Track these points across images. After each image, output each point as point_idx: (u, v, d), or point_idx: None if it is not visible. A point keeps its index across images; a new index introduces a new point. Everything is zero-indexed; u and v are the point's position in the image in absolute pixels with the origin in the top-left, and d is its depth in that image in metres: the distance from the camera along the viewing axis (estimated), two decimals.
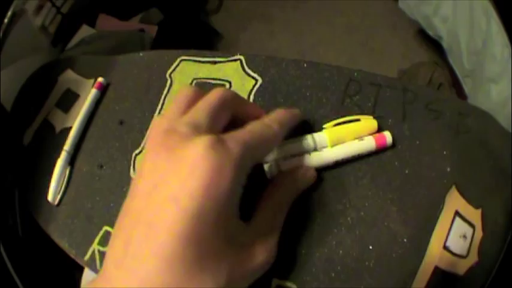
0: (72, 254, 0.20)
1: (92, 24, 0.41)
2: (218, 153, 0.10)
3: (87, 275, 0.23)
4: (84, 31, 0.40)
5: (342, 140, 0.17)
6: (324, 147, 0.17)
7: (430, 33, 0.44)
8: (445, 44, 0.42)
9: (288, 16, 0.55)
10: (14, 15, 0.31)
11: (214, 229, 0.10)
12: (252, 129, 0.13)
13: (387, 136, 0.18)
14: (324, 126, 0.18)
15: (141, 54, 0.25)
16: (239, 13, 0.56)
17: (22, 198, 0.24)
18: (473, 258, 0.17)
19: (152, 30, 0.42)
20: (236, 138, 0.11)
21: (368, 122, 0.18)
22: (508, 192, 0.19)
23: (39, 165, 0.23)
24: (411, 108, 0.20)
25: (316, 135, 0.17)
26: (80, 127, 0.22)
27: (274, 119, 0.14)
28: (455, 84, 0.41)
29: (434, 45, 0.47)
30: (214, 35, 0.53)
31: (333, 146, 0.17)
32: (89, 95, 0.23)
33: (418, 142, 0.19)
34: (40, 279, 0.24)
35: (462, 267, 0.17)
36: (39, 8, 0.38)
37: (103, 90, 0.24)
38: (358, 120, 0.18)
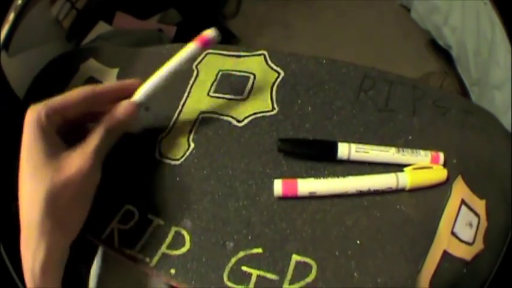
0: (88, 233, 0.22)
1: (109, 22, 0.45)
2: (28, 116, 0.17)
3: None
4: (101, 28, 0.44)
5: (419, 183, 0.20)
6: (403, 187, 0.20)
7: (440, 42, 0.48)
8: (454, 54, 0.46)
9: (304, 23, 0.60)
10: None
11: (34, 153, 0.16)
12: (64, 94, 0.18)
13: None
14: (404, 169, 0.20)
15: (166, 46, 0.28)
16: (256, 18, 0.61)
17: None
18: (479, 245, 0.20)
19: (170, 30, 0.45)
20: (42, 104, 0.17)
21: (440, 172, 0.20)
22: (508, 188, 0.21)
23: None
24: (420, 103, 0.23)
25: (400, 177, 0.20)
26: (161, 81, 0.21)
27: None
28: (463, 94, 0.45)
29: (444, 55, 0.52)
30: (231, 38, 0.57)
31: (411, 186, 0.20)
32: (187, 47, 0.22)
33: (427, 135, 0.22)
34: None
35: (469, 254, 0.20)
36: (53, 0, 0.40)
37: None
38: (430, 167, 0.20)
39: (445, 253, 0.19)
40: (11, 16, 0.30)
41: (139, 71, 0.27)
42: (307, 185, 0.19)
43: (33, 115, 0.17)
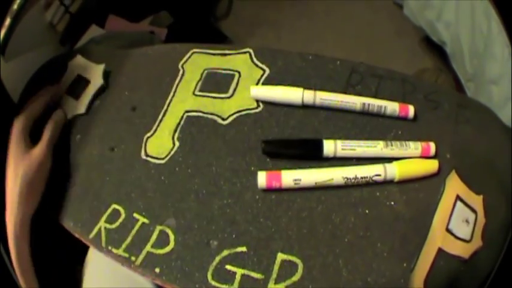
0: (77, 233, 0.22)
1: (101, 25, 0.46)
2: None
3: (92, 257, 0.24)
4: (93, 31, 0.44)
5: (409, 174, 0.19)
6: (392, 178, 0.19)
7: (434, 38, 0.48)
8: (448, 50, 0.46)
9: (296, 22, 0.61)
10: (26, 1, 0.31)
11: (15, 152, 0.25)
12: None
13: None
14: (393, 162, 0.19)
15: (154, 46, 0.28)
16: (248, 18, 0.62)
17: None
18: (477, 242, 0.19)
19: (162, 33, 0.46)
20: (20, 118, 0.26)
21: (431, 162, 0.20)
22: (508, 184, 0.21)
23: None
24: (411, 98, 0.23)
25: (388, 166, 0.19)
26: None
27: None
28: (459, 90, 0.45)
29: (438, 51, 0.52)
30: (223, 39, 0.58)
31: (400, 177, 0.19)
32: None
33: (417, 129, 0.22)
34: (39, 272, 0.25)
35: (466, 251, 0.19)
36: (47, 5, 0.41)
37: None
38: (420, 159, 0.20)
39: (440, 251, 0.19)
40: (7, 21, 0.30)
41: (126, 72, 0.27)
42: (291, 174, 0.19)
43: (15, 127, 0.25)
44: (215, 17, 0.61)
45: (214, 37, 0.57)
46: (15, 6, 0.31)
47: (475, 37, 0.38)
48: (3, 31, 0.30)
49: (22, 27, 0.32)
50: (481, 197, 0.20)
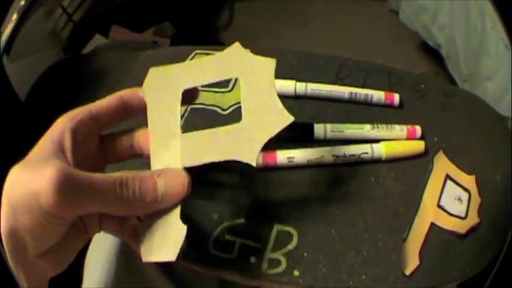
0: None
1: (105, 35, 0.52)
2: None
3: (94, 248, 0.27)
4: (97, 40, 0.50)
5: (395, 153, 0.23)
6: (379, 157, 0.23)
7: (430, 43, 0.54)
8: (444, 52, 0.51)
9: (295, 33, 0.68)
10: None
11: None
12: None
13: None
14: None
15: (160, 49, 0.34)
16: (248, 30, 0.69)
17: None
18: (473, 219, 0.22)
19: (164, 43, 0.52)
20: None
21: (417, 143, 0.24)
22: (504, 164, 0.24)
23: None
24: (397, 89, 0.27)
25: (375, 146, 0.23)
26: None
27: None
28: None
29: (434, 56, 0.58)
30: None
31: (387, 156, 0.23)
32: None
33: (404, 116, 0.26)
34: None
35: (462, 227, 0.22)
36: (50, 11, 0.42)
37: None
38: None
39: (433, 225, 0.21)
40: (14, 16, 0.32)
41: (134, 72, 0.32)
42: (285, 153, 0.23)
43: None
44: (216, 28, 0.69)
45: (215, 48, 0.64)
46: (22, 2, 0.33)
47: (470, 36, 0.43)
48: (10, 26, 0.32)
49: (25, 30, 0.34)
50: (473, 176, 0.23)
